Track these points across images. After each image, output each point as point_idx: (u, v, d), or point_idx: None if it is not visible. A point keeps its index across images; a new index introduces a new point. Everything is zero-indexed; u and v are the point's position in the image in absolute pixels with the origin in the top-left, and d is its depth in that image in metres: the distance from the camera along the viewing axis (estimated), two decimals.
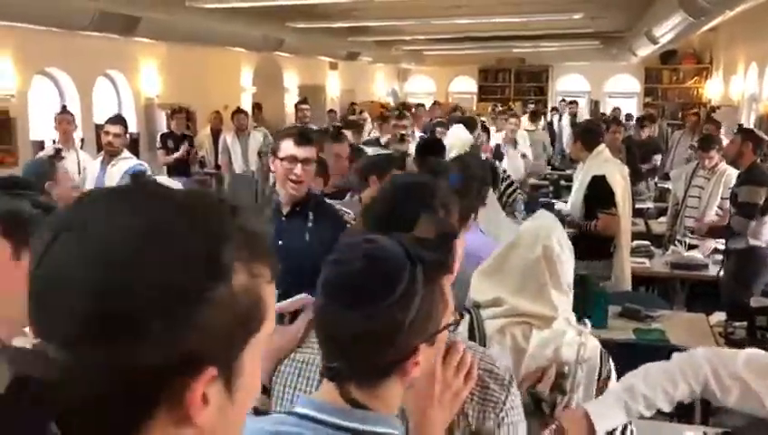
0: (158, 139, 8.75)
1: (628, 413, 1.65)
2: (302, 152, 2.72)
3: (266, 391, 1.30)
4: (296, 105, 9.36)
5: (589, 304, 3.78)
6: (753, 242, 4.62)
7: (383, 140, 6.77)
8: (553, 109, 14.02)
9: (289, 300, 1.32)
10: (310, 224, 2.76)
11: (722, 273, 4.87)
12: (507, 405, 1.22)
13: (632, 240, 4.89)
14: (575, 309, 4.06)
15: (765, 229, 4.64)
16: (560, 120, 12.92)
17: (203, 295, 0.57)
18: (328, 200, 3.23)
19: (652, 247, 5.46)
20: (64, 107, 5.39)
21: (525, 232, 1.71)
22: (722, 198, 5.40)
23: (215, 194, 0.67)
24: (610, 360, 1.71)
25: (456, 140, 6.47)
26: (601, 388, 1.67)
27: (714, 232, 5.14)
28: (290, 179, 2.70)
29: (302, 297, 1.35)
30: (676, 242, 5.48)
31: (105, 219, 0.58)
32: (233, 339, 0.61)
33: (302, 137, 2.77)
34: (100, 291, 0.55)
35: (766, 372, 1.67)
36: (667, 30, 9.06)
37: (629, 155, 7.34)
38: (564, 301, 1.68)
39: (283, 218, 2.78)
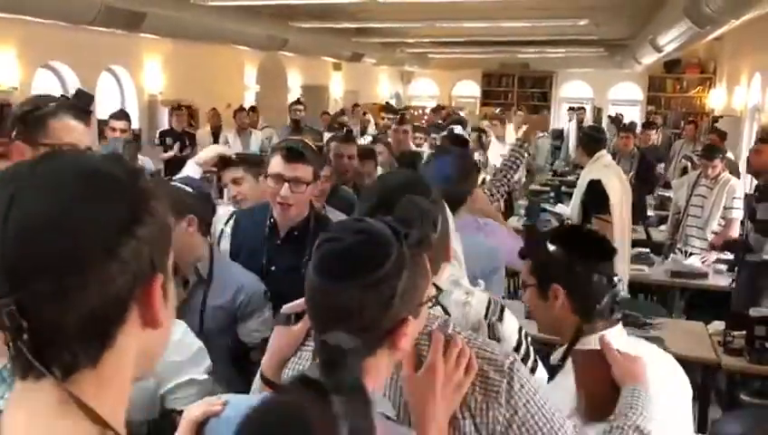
0: (158, 135, 8.77)
1: None
2: (290, 171, 2.34)
3: (274, 386, 1.32)
4: (290, 105, 9.32)
5: None
6: (767, 257, 4.58)
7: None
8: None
9: (295, 302, 1.34)
10: (308, 252, 2.47)
11: (733, 284, 4.83)
12: (513, 388, 1.19)
13: (632, 247, 4.88)
14: None
15: None
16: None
17: (143, 219, 0.71)
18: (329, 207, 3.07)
19: (652, 255, 5.46)
20: (122, 111, 5.28)
21: None
22: (725, 208, 5.39)
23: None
24: (505, 310, 1.74)
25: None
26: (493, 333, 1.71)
27: (729, 246, 5.07)
28: (277, 202, 2.36)
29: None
30: (677, 250, 5.47)
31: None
32: (165, 251, 0.75)
33: (292, 153, 2.36)
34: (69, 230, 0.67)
35: None
36: (671, 38, 9.06)
37: (643, 162, 7.34)
38: (455, 268, 1.74)
39: (278, 243, 2.46)
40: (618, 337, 1.66)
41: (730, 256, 5.37)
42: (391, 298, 1.04)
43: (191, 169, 2.85)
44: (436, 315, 1.30)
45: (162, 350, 0.80)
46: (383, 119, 9.56)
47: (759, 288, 4.58)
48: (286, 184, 2.33)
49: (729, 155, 6.51)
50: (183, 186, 2.23)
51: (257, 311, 2.26)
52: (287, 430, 0.76)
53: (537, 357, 1.76)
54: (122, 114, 4.98)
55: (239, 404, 1.24)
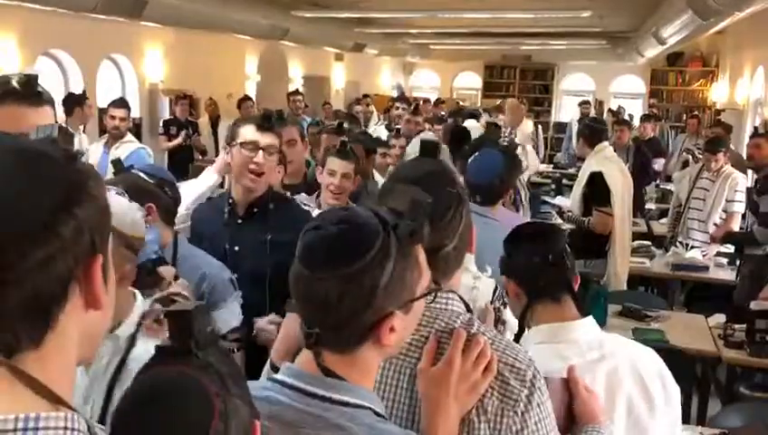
0: (161, 124, 8.75)
1: None
2: (265, 139, 2.42)
3: None
4: (288, 95, 9.30)
5: (588, 302, 3.78)
6: None
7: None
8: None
9: None
10: (270, 227, 2.43)
11: (736, 278, 4.82)
12: (532, 403, 1.16)
13: (633, 240, 4.88)
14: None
15: None
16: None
17: (82, 199, 0.71)
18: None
19: (653, 248, 5.45)
20: (122, 99, 5.22)
21: None
22: (727, 201, 5.37)
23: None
24: (504, 295, 1.79)
25: (474, 130, 6.70)
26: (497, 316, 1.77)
27: (730, 239, 5.05)
28: (249, 170, 2.39)
29: None
30: (678, 243, 5.46)
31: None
32: (105, 232, 0.76)
33: (266, 121, 2.46)
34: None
35: None
36: (674, 31, 9.02)
37: (639, 154, 7.33)
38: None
39: (239, 222, 2.47)
40: (589, 330, 1.63)
41: (731, 249, 5.37)
42: (373, 291, 0.99)
43: (207, 177, 2.88)
44: (459, 313, 1.26)
45: (103, 332, 0.81)
46: (397, 109, 9.53)
47: (761, 281, 4.56)
48: (260, 151, 2.38)
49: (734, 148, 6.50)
50: (141, 173, 2.14)
51: (222, 299, 2.23)
52: (183, 397, 0.75)
53: None
54: (122, 102, 4.97)
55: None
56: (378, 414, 1.05)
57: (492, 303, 1.78)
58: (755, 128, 7.80)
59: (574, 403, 1.51)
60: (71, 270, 0.70)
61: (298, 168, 3.58)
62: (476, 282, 1.77)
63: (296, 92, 9.27)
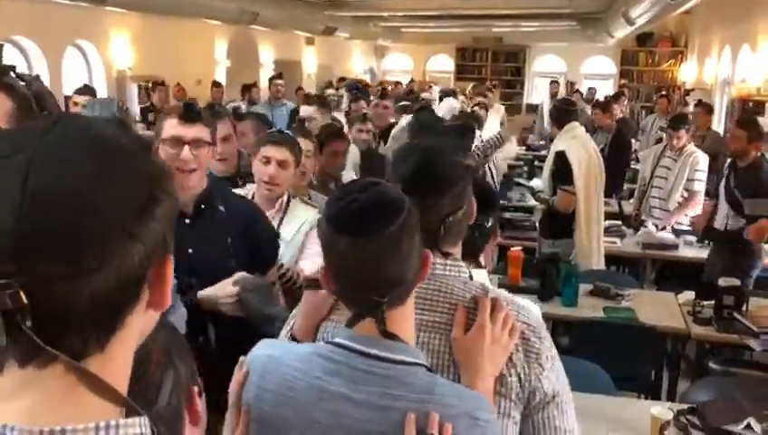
0: (139, 112, 8.66)
1: None
2: (189, 131, 2.11)
3: None
4: (270, 80, 9.20)
5: (559, 282, 3.81)
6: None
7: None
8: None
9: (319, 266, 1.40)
10: (223, 219, 2.21)
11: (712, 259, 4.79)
12: (548, 354, 1.32)
13: (605, 220, 4.90)
14: (546, 287, 4.09)
15: None
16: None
17: (160, 197, 0.68)
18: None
19: (623, 227, 5.50)
20: (86, 86, 5.08)
21: None
22: (688, 180, 5.40)
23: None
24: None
25: (448, 109, 6.67)
26: None
27: (711, 235, 4.95)
28: (176, 168, 2.06)
29: None
30: (645, 225, 5.51)
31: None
32: (173, 230, 0.71)
33: (189, 112, 2.14)
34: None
35: None
36: (643, 11, 9.08)
37: (618, 136, 7.37)
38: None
39: (187, 221, 2.15)
40: (480, 277, 1.62)
41: (688, 226, 5.41)
42: (415, 240, 1.14)
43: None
44: (467, 280, 1.39)
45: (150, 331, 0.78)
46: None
47: (740, 269, 4.53)
48: (186, 146, 2.10)
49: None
50: None
51: (170, 308, 2.14)
52: None
53: None
54: (87, 89, 4.85)
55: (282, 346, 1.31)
56: (428, 369, 1.18)
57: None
58: (730, 106, 7.83)
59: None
60: (145, 271, 0.67)
61: (232, 162, 3.28)
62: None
63: (279, 76, 9.16)
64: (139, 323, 0.70)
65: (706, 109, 7.90)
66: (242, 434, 1.20)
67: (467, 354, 1.27)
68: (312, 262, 2.50)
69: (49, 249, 0.61)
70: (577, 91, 13.22)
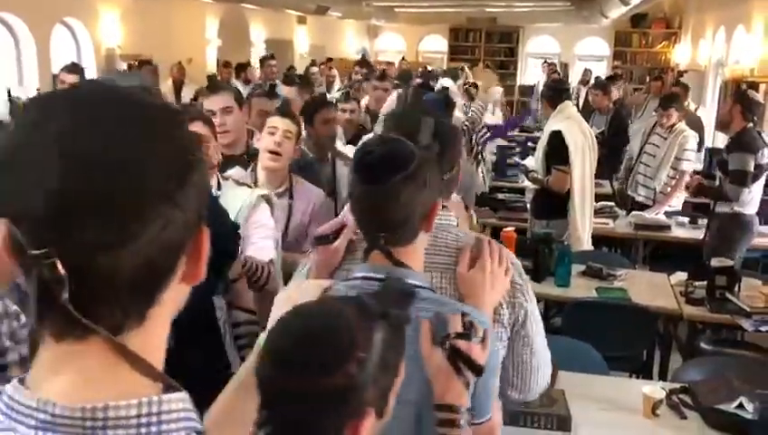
0: None
1: None
2: (216, 101, 2.48)
3: None
4: (262, 60, 9.11)
5: (552, 262, 3.79)
6: (737, 208, 4.58)
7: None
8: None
9: (329, 223, 1.54)
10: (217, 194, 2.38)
11: (705, 236, 4.85)
12: (527, 286, 1.58)
13: (597, 201, 4.89)
14: (539, 267, 4.07)
15: (749, 197, 4.58)
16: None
17: (195, 164, 0.66)
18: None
19: (616, 209, 5.49)
20: (74, 64, 4.94)
21: None
22: (675, 159, 5.40)
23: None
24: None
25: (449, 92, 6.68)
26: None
27: (702, 192, 5.07)
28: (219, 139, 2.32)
29: (339, 220, 1.55)
30: (633, 204, 5.52)
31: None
32: (205, 199, 0.69)
33: (214, 83, 2.39)
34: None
35: None
36: None
37: (616, 118, 7.36)
38: None
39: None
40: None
41: (678, 208, 5.45)
42: (425, 183, 1.29)
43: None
44: (467, 232, 1.63)
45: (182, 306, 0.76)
46: (356, 74, 9.27)
47: (730, 240, 4.61)
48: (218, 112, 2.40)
49: (692, 108, 6.47)
50: None
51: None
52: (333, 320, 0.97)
53: None
54: (75, 67, 4.78)
55: None
56: (433, 292, 1.38)
57: None
58: (724, 87, 7.83)
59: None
60: (183, 241, 0.65)
61: (238, 137, 3.22)
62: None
63: (271, 57, 9.06)
64: (175, 298, 0.68)
65: (684, 89, 7.91)
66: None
67: (471, 287, 1.47)
68: (258, 249, 2.43)
69: (90, 217, 0.58)
70: (555, 72, 13.04)
